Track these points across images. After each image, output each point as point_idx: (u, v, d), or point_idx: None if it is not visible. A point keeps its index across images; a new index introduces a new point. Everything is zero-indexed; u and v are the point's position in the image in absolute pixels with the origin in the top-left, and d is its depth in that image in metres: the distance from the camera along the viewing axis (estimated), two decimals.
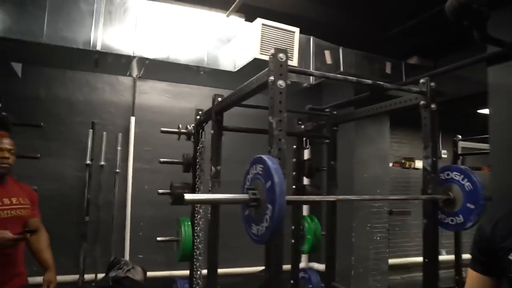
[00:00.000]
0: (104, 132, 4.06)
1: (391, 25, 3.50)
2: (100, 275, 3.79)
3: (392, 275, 5.89)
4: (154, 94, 4.51)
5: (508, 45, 2.67)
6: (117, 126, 4.27)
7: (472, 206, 2.29)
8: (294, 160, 3.54)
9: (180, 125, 3.60)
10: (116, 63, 3.34)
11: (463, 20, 2.44)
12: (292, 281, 3.68)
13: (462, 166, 2.41)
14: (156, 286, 4.04)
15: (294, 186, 3.51)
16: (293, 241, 3.57)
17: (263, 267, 1.84)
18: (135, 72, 3.62)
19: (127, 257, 4.12)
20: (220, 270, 3.79)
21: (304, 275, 3.87)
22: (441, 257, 6.59)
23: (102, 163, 4.03)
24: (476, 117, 6.10)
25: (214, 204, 2.66)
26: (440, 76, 3.77)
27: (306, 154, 4.68)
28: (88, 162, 4.03)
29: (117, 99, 4.30)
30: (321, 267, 4.04)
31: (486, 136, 3.10)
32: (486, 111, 3.16)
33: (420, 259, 2.27)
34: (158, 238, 3.50)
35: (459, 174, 2.36)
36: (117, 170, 4.11)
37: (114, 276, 3.42)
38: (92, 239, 4.03)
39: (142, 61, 3.25)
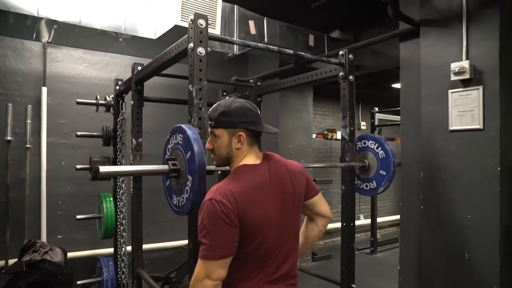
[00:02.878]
0: (9, 104, 3.65)
1: None
2: (12, 261, 3.50)
3: None
4: (69, 62, 4.14)
5: (417, 22, 2.85)
6: (26, 97, 3.87)
7: (384, 173, 2.49)
8: None
9: (98, 96, 3.38)
10: (20, 24, 2.97)
11: None
12: None
13: (377, 135, 2.58)
14: (79, 266, 3.85)
15: None
16: None
17: None
18: (44, 37, 3.27)
19: (44, 238, 3.85)
20: (147, 246, 3.74)
21: None
22: (359, 222, 7.18)
23: (9, 138, 3.65)
24: (391, 91, 6.55)
25: (131, 175, 2.56)
26: (360, 51, 3.96)
27: None
28: None
29: (24, 67, 3.88)
30: None
31: (399, 108, 3.34)
32: (399, 85, 3.40)
33: (340, 224, 2.42)
34: (78, 216, 3.33)
35: (374, 142, 2.53)
36: (28, 146, 3.75)
37: (28, 260, 3.18)
38: (1, 221, 3.69)
39: (51, 23, 2.93)
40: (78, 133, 3.38)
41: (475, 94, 2.47)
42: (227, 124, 1.40)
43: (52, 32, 3.12)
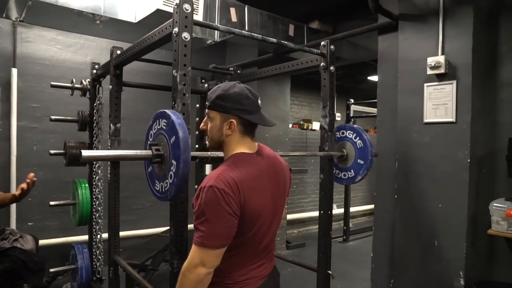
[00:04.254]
0: None
1: None
2: None
3: (290, 229, 6.37)
4: (42, 43, 3.98)
5: (396, 17, 2.92)
6: None
7: (362, 162, 2.55)
8: (197, 119, 3.50)
9: (74, 80, 3.28)
10: None
11: None
12: None
13: (355, 126, 2.64)
14: (52, 254, 3.76)
15: (197, 146, 3.50)
16: None
17: (167, 228, 1.82)
18: (14, 14, 3.10)
19: (13, 226, 3.73)
20: (123, 233, 3.70)
21: None
22: (332, 211, 7.29)
23: None
24: (367, 83, 6.68)
25: (115, 160, 2.52)
26: (339, 42, 4.01)
27: None
28: None
29: None
30: None
31: (375, 101, 3.42)
32: (375, 78, 3.47)
33: (315, 213, 2.48)
34: (51, 203, 3.24)
35: (352, 132, 2.59)
36: None
37: None
38: None
39: (24, 1, 2.80)
40: (52, 117, 3.27)
41: (449, 88, 2.57)
42: (221, 108, 1.38)
43: (25, 10, 2.99)
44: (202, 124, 1.47)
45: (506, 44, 2.51)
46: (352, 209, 6.82)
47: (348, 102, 6.15)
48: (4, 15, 3.17)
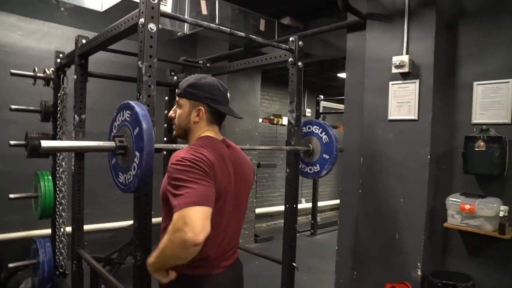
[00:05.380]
0: None
1: None
2: None
3: (258, 223, 6.43)
4: (1, 29, 3.81)
5: (364, 16, 2.99)
6: None
7: (327, 157, 2.60)
8: (166, 112, 3.46)
9: (37, 68, 3.16)
10: None
11: None
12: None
13: (321, 121, 2.69)
14: (12, 249, 3.64)
15: (165, 139, 3.46)
16: None
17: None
18: None
19: None
20: (87, 227, 3.60)
21: None
22: (300, 205, 7.44)
23: None
24: (336, 80, 6.80)
25: (77, 151, 2.46)
26: (310, 39, 4.06)
27: None
28: None
29: None
30: None
31: (343, 97, 3.49)
32: (344, 75, 3.55)
33: (283, 207, 2.51)
34: (11, 195, 3.12)
35: (318, 127, 2.63)
36: None
37: None
38: None
39: None
40: (13, 106, 3.14)
41: (412, 87, 2.66)
42: (191, 96, 1.44)
43: None
44: (171, 112, 1.51)
45: (465, 48, 2.62)
46: (320, 204, 6.95)
47: (317, 98, 6.24)
48: None
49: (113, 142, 1.57)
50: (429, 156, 2.57)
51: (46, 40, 4.07)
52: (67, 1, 2.86)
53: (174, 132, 1.53)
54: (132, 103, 1.56)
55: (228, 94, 1.49)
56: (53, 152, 3.05)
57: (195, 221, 1.14)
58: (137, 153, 1.49)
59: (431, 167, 2.59)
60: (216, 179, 1.31)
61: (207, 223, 1.18)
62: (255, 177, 1.68)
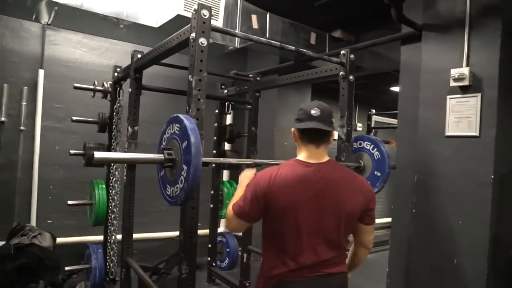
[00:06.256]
0: (5, 84, 3.60)
1: None
2: (0, 243, 3.47)
3: None
4: (68, 46, 4.10)
5: (419, 27, 2.85)
6: (22, 78, 3.81)
7: (379, 174, 2.49)
8: (216, 124, 3.51)
9: (96, 82, 3.35)
10: (19, 4, 2.91)
11: None
12: (210, 245, 3.74)
13: (373, 137, 2.58)
14: (68, 252, 3.83)
15: (214, 151, 3.50)
16: (212, 205, 3.61)
17: None
18: (43, 18, 3.21)
19: (33, 223, 3.82)
20: (136, 235, 3.71)
21: (222, 239, 3.95)
22: None
23: (3, 119, 3.60)
24: (389, 93, 6.57)
25: (127, 163, 2.55)
26: (361, 52, 3.96)
27: (229, 119, 4.68)
28: None
29: (21, 47, 3.81)
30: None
31: (396, 112, 3.34)
32: (398, 88, 3.41)
33: None
34: (69, 202, 3.30)
35: (370, 143, 2.53)
36: (22, 128, 3.71)
37: (16, 243, 3.15)
38: None
39: (51, 5, 2.89)
40: (74, 118, 3.34)
41: (473, 101, 2.48)
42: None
43: (52, 14, 3.08)
44: None
45: None
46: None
47: (369, 112, 6.05)
48: (33, 18, 3.28)
49: (161, 155, 1.59)
50: (492, 176, 2.36)
51: (106, 55, 4.31)
52: (125, 18, 3.01)
53: None
54: (181, 116, 1.58)
55: (314, 111, 1.59)
56: (103, 163, 3.19)
57: (231, 220, 1.63)
58: (184, 167, 1.51)
59: (494, 187, 2.38)
60: (274, 196, 1.52)
61: (238, 225, 1.64)
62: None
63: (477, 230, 2.41)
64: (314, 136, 1.61)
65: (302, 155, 1.62)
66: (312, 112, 1.58)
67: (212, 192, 3.57)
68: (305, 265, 1.55)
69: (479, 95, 2.45)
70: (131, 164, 2.64)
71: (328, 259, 1.59)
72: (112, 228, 3.22)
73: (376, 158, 2.43)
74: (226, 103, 3.50)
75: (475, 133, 2.46)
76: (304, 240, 1.54)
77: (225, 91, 3.61)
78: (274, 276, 1.57)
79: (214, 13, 2.89)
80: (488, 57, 2.42)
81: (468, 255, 2.45)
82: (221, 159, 1.60)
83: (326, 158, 1.63)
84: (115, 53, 4.35)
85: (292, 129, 1.66)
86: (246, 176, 1.77)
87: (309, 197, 1.53)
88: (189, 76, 1.71)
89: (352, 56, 2.33)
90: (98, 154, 1.51)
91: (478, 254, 2.39)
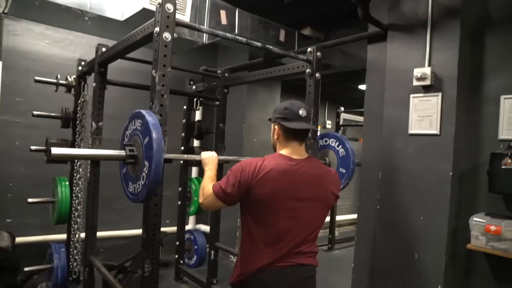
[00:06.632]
0: None
1: None
2: None
3: None
4: (29, 37, 3.93)
5: (385, 26, 2.92)
6: None
7: (344, 171, 2.53)
8: (184, 120, 3.47)
9: (59, 76, 3.23)
10: None
11: None
12: (177, 242, 3.70)
13: (338, 134, 2.62)
14: (29, 252, 3.69)
15: (182, 148, 3.46)
16: (179, 202, 3.57)
17: None
18: (0, 6, 3.06)
19: None
20: (102, 233, 3.63)
21: (190, 236, 3.92)
22: None
23: None
24: (358, 91, 6.69)
25: (86, 159, 2.49)
26: (330, 50, 4.01)
27: (198, 116, 4.63)
28: None
29: None
30: (208, 228, 4.12)
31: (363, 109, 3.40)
32: (364, 86, 3.49)
33: None
34: (30, 200, 3.18)
35: (335, 141, 2.57)
36: None
37: None
38: None
39: None
40: (35, 112, 3.22)
41: (434, 100, 2.56)
42: (272, 119, 1.77)
43: (9, 1, 2.94)
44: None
45: (491, 60, 2.51)
46: (339, 218, 6.80)
47: (338, 110, 6.14)
48: None
49: (123, 151, 1.56)
50: (451, 173, 2.45)
51: (71, 48, 4.17)
52: (89, 10, 2.91)
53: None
54: (143, 112, 1.55)
55: (301, 111, 1.70)
56: (61, 159, 3.09)
57: (208, 197, 1.68)
58: (146, 163, 1.48)
59: (453, 184, 2.47)
60: (259, 186, 1.59)
61: (213, 205, 1.70)
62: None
63: (436, 225, 2.50)
64: (301, 135, 1.73)
65: (285, 151, 1.72)
66: (300, 112, 1.70)
67: (180, 189, 3.53)
68: (283, 254, 1.64)
69: (440, 94, 2.53)
70: (95, 161, 2.57)
71: (305, 250, 1.71)
72: (76, 227, 3.13)
73: (341, 155, 2.47)
74: (195, 99, 3.46)
75: (436, 131, 2.54)
76: (284, 231, 1.64)
77: (194, 87, 3.57)
78: (251, 265, 1.64)
79: (180, 8, 2.84)
80: (448, 58, 2.50)
81: (428, 250, 2.54)
82: (184, 156, 1.58)
83: (306, 155, 1.76)
84: (80, 46, 4.21)
85: (276, 126, 1.73)
86: (209, 157, 1.88)
87: (292, 189, 1.63)
88: (153, 71, 1.68)
89: (318, 54, 2.35)
90: (55, 150, 1.46)
91: (437, 248, 2.48)
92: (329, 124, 7.18)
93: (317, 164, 1.80)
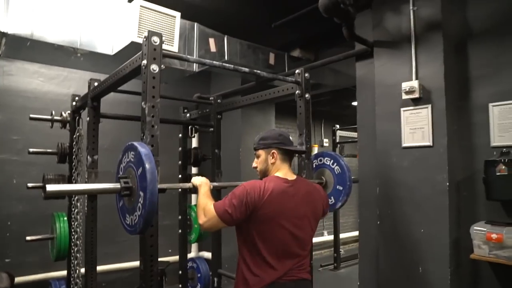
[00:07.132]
0: None
1: (276, 16, 3.63)
2: None
3: None
4: (24, 76, 3.99)
5: (370, 44, 2.98)
6: None
7: (341, 188, 2.52)
8: (180, 149, 3.48)
9: (54, 112, 3.26)
10: None
11: (333, 17, 2.65)
12: (180, 272, 3.65)
13: (332, 152, 2.63)
14: None
15: (180, 175, 3.46)
16: (180, 231, 3.53)
17: None
18: None
19: None
20: (104, 267, 3.58)
21: (193, 264, 3.87)
22: (323, 238, 7.17)
23: None
24: (351, 108, 6.75)
25: (82, 194, 2.49)
26: (320, 69, 4.07)
27: (194, 143, 4.65)
28: None
29: None
30: (210, 255, 4.07)
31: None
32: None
33: None
34: (28, 238, 3.14)
35: (329, 159, 2.57)
36: None
37: None
38: None
39: (0, 36, 2.83)
40: (31, 149, 3.22)
41: (425, 113, 2.60)
42: (264, 146, 1.91)
43: (3, 44, 3.01)
44: (253, 164, 1.98)
45: (477, 70, 2.56)
46: (343, 235, 6.74)
47: (333, 128, 6.18)
48: None
49: (118, 184, 1.56)
50: (447, 183, 2.46)
51: (65, 84, 4.23)
52: (79, 47, 2.97)
53: (259, 177, 1.94)
54: (135, 143, 1.57)
55: (291, 138, 1.98)
56: (57, 196, 3.08)
57: (210, 218, 1.73)
58: (141, 193, 1.48)
59: (450, 194, 2.48)
60: (265, 207, 1.69)
61: (213, 226, 1.77)
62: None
63: (438, 236, 2.49)
64: (292, 157, 1.96)
65: (280, 173, 1.86)
66: (291, 138, 1.97)
67: (180, 217, 3.51)
68: (289, 269, 1.76)
69: (429, 106, 2.57)
70: (92, 195, 2.57)
71: (304, 265, 1.84)
72: (76, 262, 3.09)
73: (337, 172, 2.47)
74: (189, 127, 3.49)
75: (429, 142, 2.56)
76: (288, 246, 1.76)
77: (188, 115, 3.60)
78: (261, 280, 1.73)
79: (168, 39, 2.90)
80: (434, 70, 2.55)
81: (432, 262, 2.51)
82: (179, 184, 1.58)
83: (295, 175, 1.91)
84: (74, 82, 4.27)
85: (273, 151, 1.88)
86: (203, 182, 1.91)
87: (291, 209, 1.77)
88: (142, 103, 1.70)
89: (307, 75, 2.39)
90: (50, 187, 1.47)
91: (440, 260, 2.46)
92: (326, 142, 7.21)
93: (305, 182, 1.96)
